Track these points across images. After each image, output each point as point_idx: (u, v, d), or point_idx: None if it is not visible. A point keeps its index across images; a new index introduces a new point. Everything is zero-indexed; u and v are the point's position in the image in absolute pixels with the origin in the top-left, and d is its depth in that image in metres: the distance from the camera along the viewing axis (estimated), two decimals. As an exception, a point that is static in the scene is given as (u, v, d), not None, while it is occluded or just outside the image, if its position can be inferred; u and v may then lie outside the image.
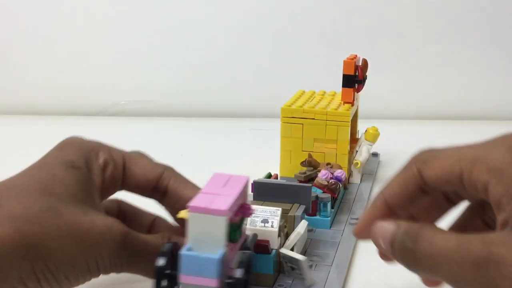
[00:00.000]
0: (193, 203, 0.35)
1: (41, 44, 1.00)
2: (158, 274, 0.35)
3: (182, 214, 0.36)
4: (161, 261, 0.35)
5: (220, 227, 0.34)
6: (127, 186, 0.43)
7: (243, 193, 0.39)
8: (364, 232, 0.37)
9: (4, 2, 0.98)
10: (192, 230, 0.35)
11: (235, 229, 0.37)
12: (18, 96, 1.02)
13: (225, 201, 0.35)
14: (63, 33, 1.00)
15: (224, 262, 0.35)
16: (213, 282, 0.34)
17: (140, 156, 0.43)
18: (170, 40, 1.00)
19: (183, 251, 0.34)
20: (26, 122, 0.98)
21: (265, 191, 0.53)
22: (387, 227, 0.34)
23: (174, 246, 0.36)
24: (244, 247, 0.40)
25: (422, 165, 0.35)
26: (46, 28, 0.99)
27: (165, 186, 0.43)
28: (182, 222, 0.40)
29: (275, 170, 0.68)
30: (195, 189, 0.42)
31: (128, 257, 0.37)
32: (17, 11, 0.99)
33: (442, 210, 0.39)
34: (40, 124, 0.96)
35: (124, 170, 0.42)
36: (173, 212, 0.43)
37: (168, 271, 0.35)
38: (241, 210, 0.38)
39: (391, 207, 0.36)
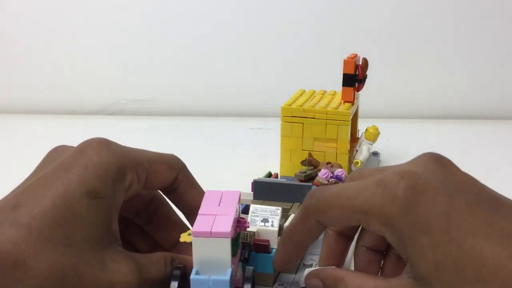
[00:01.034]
0: (196, 228, 0.35)
1: (41, 43, 1.00)
2: None
3: (184, 238, 0.37)
4: (173, 285, 0.36)
5: (225, 248, 0.35)
6: (141, 191, 0.43)
7: (238, 207, 0.40)
8: (282, 267, 0.42)
9: (4, 2, 0.98)
10: (197, 253, 0.36)
11: (233, 244, 0.38)
12: (17, 95, 1.02)
13: (226, 222, 0.36)
14: (63, 32, 1.00)
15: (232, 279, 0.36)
16: None
17: (159, 161, 0.42)
18: (170, 40, 1.00)
19: (192, 276, 0.35)
20: (25, 121, 0.98)
21: (265, 190, 0.53)
22: (315, 283, 0.38)
23: (184, 269, 0.37)
24: (242, 258, 0.41)
25: (319, 215, 0.37)
26: (45, 27, 0.99)
27: (175, 187, 0.44)
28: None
29: (275, 169, 0.68)
30: (201, 194, 0.43)
31: None
32: (17, 10, 0.99)
33: None
34: (40, 123, 0.96)
35: (145, 182, 0.42)
36: (177, 207, 0.45)
37: None
38: (238, 225, 0.39)
39: (301, 246, 0.41)
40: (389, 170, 0.36)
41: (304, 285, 0.41)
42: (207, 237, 0.35)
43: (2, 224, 0.34)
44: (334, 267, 0.40)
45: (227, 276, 0.35)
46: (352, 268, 0.41)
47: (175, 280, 0.36)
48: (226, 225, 0.35)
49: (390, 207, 0.34)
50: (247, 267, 0.40)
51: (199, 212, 0.38)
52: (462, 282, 0.31)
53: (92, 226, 0.37)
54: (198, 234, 0.35)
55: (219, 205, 0.38)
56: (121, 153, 0.39)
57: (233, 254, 0.38)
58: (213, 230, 0.35)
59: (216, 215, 0.37)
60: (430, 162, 0.37)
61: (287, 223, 0.47)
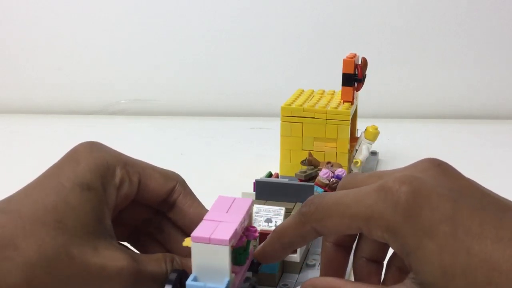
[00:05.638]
0: (196, 233, 0.35)
1: (40, 42, 1.00)
2: None
3: (187, 242, 0.36)
4: None
5: (223, 256, 0.35)
6: (139, 200, 0.42)
7: (248, 216, 0.39)
8: (268, 261, 0.40)
9: (3, 1, 0.98)
10: (196, 259, 0.35)
11: (240, 252, 0.37)
12: (17, 95, 1.02)
13: (227, 229, 0.35)
14: (63, 31, 1.00)
15: None
16: None
17: (153, 169, 0.43)
18: (171, 40, 1.00)
19: (188, 281, 0.35)
20: (25, 121, 0.98)
21: (267, 190, 0.53)
22: None
23: (182, 273, 0.37)
24: (252, 268, 0.40)
25: (316, 224, 0.36)
26: (45, 26, 0.99)
27: (174, 200, 0.43)
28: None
29: (275, 169, 0.68)
30: (201, 208, 0.43)
31: None
32: (16, 9, 0.99)
33: None
34: (40, 123, 0.96)
35: (138, 186, 0.42)
36: (178, 224, 0.44)
37: None
38: (247, 233, 0.39)
39: (288, 248, 0.39)
40: (387, 176, 0.35)
41: None
42: (206, 243, 0.34)
43: None
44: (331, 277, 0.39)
45: (222, 285, 0.34)
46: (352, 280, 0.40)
47: (169, 283, 0.36)
48: (226, 233, 0.35)
49: (392, 213, 0.33)
50: (251, 276, 0.39)
51: (205, 217, 0.37)
52: (472, 286, 0.30)
53: (85, 215, 0.37)
54: (197, 240, 0.35)
55: (227, 212, 0.38)
56: (112, 153, 0.41)
57: (238, 263, 0.37)
58: (212, 236, 0.34)
59: (220, 221, 0.36)
60: (431, 167, 0.36)
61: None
